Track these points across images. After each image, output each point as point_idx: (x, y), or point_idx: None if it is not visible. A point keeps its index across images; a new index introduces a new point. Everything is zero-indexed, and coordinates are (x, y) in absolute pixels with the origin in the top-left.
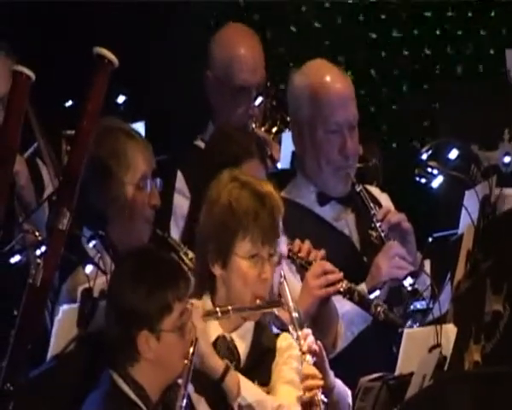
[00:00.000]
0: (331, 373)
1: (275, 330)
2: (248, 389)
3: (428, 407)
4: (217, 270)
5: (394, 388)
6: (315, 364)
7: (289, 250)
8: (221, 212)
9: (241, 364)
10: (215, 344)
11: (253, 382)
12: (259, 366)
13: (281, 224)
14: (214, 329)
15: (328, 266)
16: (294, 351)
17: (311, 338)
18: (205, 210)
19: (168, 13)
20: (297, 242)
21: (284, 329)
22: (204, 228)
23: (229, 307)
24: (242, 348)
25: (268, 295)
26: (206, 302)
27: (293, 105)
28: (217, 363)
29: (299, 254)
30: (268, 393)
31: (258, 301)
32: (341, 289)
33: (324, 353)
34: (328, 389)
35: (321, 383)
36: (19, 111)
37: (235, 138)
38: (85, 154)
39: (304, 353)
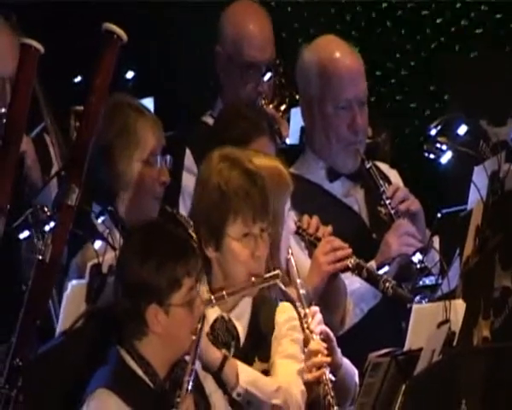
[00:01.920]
0: (338, 351)
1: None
2: (247, 377)
3: (437, 383)
4: (210, 252)
5: (403, 363)
6: (322, 341)
7: (298, 226)
8: (211, 194)
9: (241, 343)
10: (213, 326)
11: (254, 359)
12: (260, 342)
13: (288, 201)
14: (212, 311)
15: (337, 242)
16: (294, 322)
17: (318, 316)
18: (196, 192)
19: None
20: (305, 218)
21: (291, 300)
22: (196, 211)
23: (224, 293)
24: (241, 326)
25: (263, 270)
26: (201, 287)
27: (303, 81)
28: (214, 354)
29: (308, 231)
30: (268, 369)
31: (253, 279)
32: (350, 265)
33: (331, 332)
34: (335, 368)
35: (328, 359)
36: (27, 84)
37: (246, 115)
38: (94, 129)
39: (311, 331)
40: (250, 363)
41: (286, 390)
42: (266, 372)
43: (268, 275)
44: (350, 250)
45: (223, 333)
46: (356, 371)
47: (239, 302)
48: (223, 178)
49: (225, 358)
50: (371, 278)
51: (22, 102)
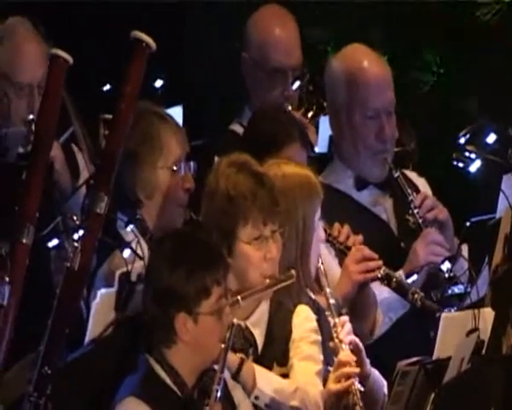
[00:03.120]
0: (367, 362)
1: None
2: (264, 380)
3: (466, 391)
4: None
5: (432, 372)
6: (351, 352)
7: (329, 234)
8: (220, 200)
9: (259, 350)
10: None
11: (272, 365)
12: (277, 348)
13: (318, 210)
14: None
15: (368, 251)
16: (312, 323)
17: (348, 326)
18: (205, 200)
19: None
20: (336, 226)
21: (307, 302)
22: (206, 218)
23: (239, 297)
24: (258, 332)
25: (277, 272)
26: None
27: (331, 89)
28: (231, 358)
29: (338, 239)
30: (287, 373)
31: (267, 281)
32: (379, 276)
33: (360, 343)
34: (363, 378)
35: (357, 370)
36: (56, 95)
37: (278, 119)
38: (123, 137)
39: (341, 341)
40: (268, 368)
41: (304, 391)
42: (285, 376)
43: (282, 276)
44: (380, 262)
45: (240, 341)
46: (385, 383)
47: (255, 309)
48: (230, 182)
49: (242, 361)
50: (400, 289)
51: (51, 113)
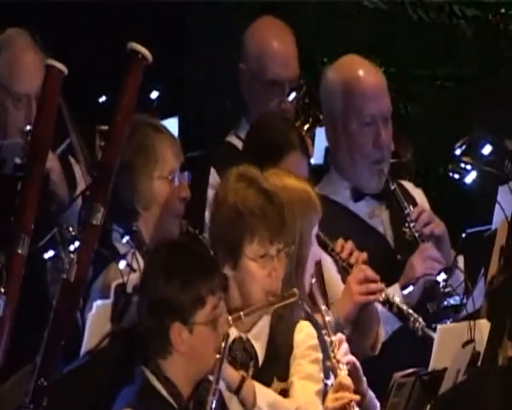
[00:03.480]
0: (364, 380)
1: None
2: (265, 398)
3: (462, 403)
4: (227, 270)
5: (428, 383)
6: (349, 372)
7: (331, 249)
8: (228, 213)
9: (260, 363)
10: (231, 347)
11: (273, 379)
12: (278, 362)
13: (316, 226)
14: (230, 331)
15: (370, 272)
16: (313, 341)
17: (344, 346)
18: (213, 211)
19: (203, 8)
20: (340, 241)
21: (308, 318)
22: (213, 229)
23: (241, 313)
24: (259, 346)
25: (279, 289)
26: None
27: (327, 100)
28: (232, 375)
29: (341, 255)
30: (287, 388)
31: (270, 298)
32: (381, 299)
33: (358, 362)
34: (360, 397)
35: (355, 397)
36: (51, 105)
37: (278, 126)
38: (120, 149)
39: (338, 361)
40: (269, 383)
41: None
42: (285, 392)
43: (285, 294)
44: (383, 285)
45: (241, 354)
46: (378, 404)
47: (257, 322)
48: (239, 197)
49: (243, 379)
50: (401, 315)
51: (46, 123)
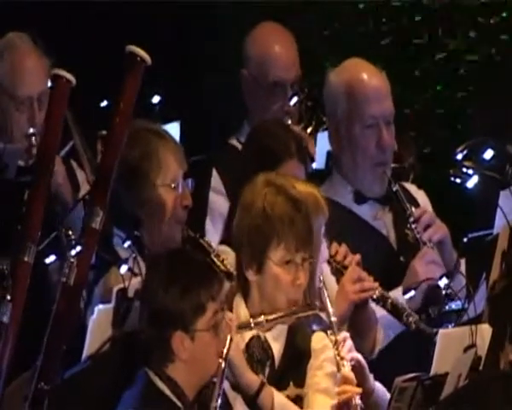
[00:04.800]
0: (371, 376)
1: (315, 327)
2: (282, 406)
3: (463, 407)
4: (251, 275)
5: (429, 388)
6: (354, 368)
7: None
8: (256, 217)
9: (276, 364)
10: (249, 344)
11: (289, 383)
12: (294, 366)
13: (322, 228)
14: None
15: (364, 273)
16: (330, 352)
17: (349, 343)
18: (239, 214)
19: (205, 12)
20: (334, 245)
21: (324, 329)
22: (238, 233)
23: (263, 318)
24: (277, 348)
25: (302, 298)
26: (239, 306)
27: (330, 103)
28: (252, 379)
29: (335, 258)
30: (301, 397)
31: (293, 308)
32: (374, 297)
33: (363, 359)
34: (367, 394)
35: (358, 390)
36: (58, 115)
37: (275, 133)
38: (118, 152)
39: (342, 358)
40: (284, 386)
41: None
42: (300, 398)
43: (305, 305)
44: (376, 284)
45: (258, 351)
46: (388, 395)
47: (275, 324)
48: (268, 202)
49: (263, 384)
50: (395, 311)
51: (54, 133)
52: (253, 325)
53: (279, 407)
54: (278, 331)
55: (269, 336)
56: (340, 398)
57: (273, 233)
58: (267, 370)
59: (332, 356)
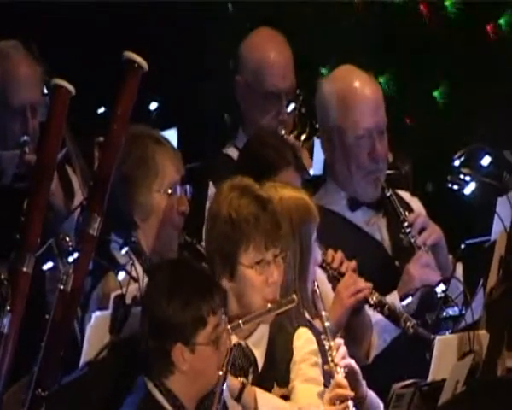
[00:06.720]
0: (363, 384)
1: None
2: (266, 402)
3: None
4: (225, 283)
5: (427, 394)
6: (347, 375)
7: (322, 260)
8: (222, 225)
9: (259, 369)
10: (230, 353)
11: (273, 385)
12: (277, 368)
13: (314, 233)
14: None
15: (359, 280)
16: (312, 346)
17: (343, 349)
18: (207, 225)
19: (201, 19)
20: (330, 252)
21: (305, 325)
22: (208, 244)
23: (240, 321)
24: (259, 352)
25: (278, 296)
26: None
27: (322, 111)
28: (233, 383)
29: (332, 265)
30: (287, 394)
31: (269, 305)
32: (372, 302)
33: (356, 365)
34: (360, 400)
35: (351, 393)
36: (58, 125)
37: (271, 144)
38: (116, 158)
39: (336, 365)
40: (269, 389)
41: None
42: (285, 398)
43: (284, 300)
44: (371, 284)
45: (240, 360)
46: (381, 404)
47: (256, 329)
48: (232, 207)
49: (243, 385)
50: (392, 316)
51: (53, 143)
52: (230, 330)
53: (262, 401)
54: (259, 336)
55: (250, 342)
56: (335, 408)
57: (241, 237)
58: (250, 376)
59: (316, 348)
